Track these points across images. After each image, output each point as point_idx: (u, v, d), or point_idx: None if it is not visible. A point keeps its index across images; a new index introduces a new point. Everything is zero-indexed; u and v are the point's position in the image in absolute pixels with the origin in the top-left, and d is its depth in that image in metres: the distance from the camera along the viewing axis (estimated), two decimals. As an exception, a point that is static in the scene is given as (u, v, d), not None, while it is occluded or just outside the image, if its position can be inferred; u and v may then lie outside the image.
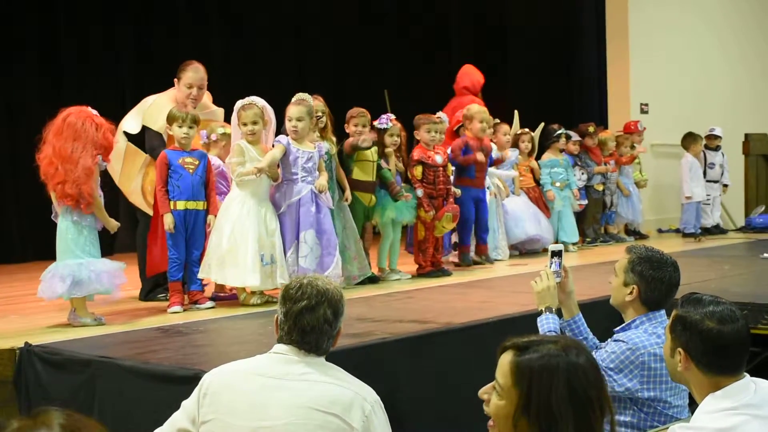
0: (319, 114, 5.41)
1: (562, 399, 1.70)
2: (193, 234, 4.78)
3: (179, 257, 4.71)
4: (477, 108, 6.61)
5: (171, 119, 4.80)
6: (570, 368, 1.73)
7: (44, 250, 5.16)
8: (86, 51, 8.35)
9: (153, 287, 5.26)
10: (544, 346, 1.78)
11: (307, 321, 2.50)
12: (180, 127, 4.76)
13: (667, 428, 2.27)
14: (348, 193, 5.50)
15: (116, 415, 3.20)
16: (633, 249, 3.12)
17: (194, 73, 5.30)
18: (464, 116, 6.56)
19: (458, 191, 6.22)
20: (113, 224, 4.42)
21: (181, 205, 4.71)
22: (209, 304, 4.78)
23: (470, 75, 7.78)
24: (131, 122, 5.28)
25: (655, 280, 3.02)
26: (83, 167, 4.19)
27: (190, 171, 4.73)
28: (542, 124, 7.84)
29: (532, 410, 1.71)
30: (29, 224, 7.74)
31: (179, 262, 4.72)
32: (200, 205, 4.79)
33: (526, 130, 7.62)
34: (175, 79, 5.35)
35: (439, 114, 6.44)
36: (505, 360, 1.78)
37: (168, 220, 4.65)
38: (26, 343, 3.57)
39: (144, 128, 5.27)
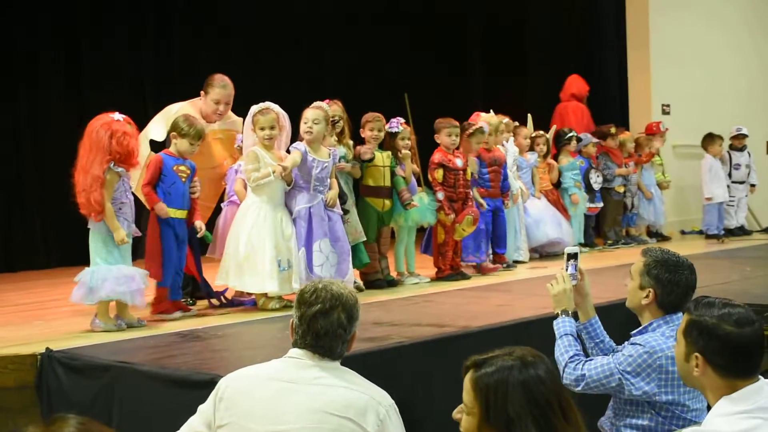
0: (336, 119, 5.43)
1: (520, 407, 1.84)
2: (185, 243, 4.75)
3: (174, 267, 4.64)
4: (486, 117, 6.54)
5: (176, 129, 4.75)
6: (525, 377, 1.87)
7: (68, 257, 5.22)
8: (108, 54, 8.41)
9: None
10: (499, 359, 1.93)
11: (321, 325, 2.52)
12: (184, 138, 4.73)
13: (682, 432, 2.25)
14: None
15: (135, 419, 3.23)
16: (648, 252, 3.10)
17: (222, 89, 5.33)
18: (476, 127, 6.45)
19: (484, 203, 6.23)
20: (119, 235, 4.32)
21: (171, 212, 4.66)
22: (194, 311, 4.81)
23: (577, 83, 8.61)
24: (157, 130, 5.29)
25: (672, 283, 2.99)
26: (92, 176, 4.22)
27: (183, 179, 4.74)
28: (554, 126, 7.82)
29: (492, 419, 1.85)
30: (53, 231, 7.83)
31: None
32: (185, 214, 4.77)
33: (541, 132, 7.61)
34: (202, 92, 5.37)
35: (481, 123, 6.39)
36: (467, 378, 1.94)
37: (162, 208, 4.56)
38: (47, 348, 3.62)
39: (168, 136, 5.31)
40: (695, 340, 2.23)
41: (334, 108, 5.46)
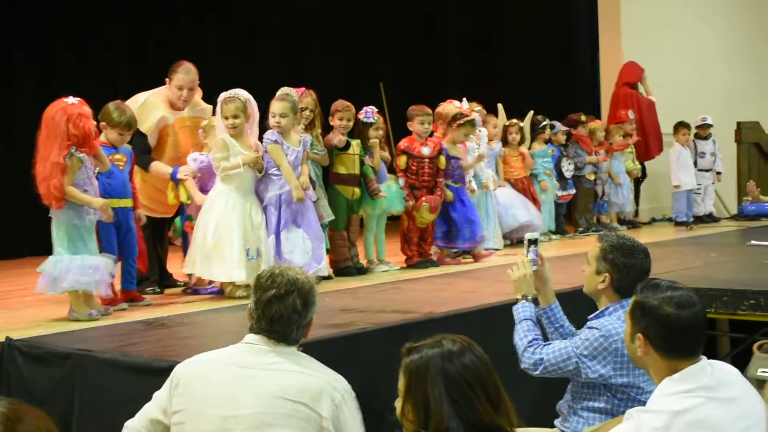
0: (307, 110, 5.43)
1: (438, 390, 2.01)
2: (128, 233, 4.70)
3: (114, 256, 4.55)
4: (452, 108, 6.51)
5: (106, 119, 4.62)
6: (447, 365, 2.04)
7: (39, 246, 5.17)
8: (80, 48, 8.36)
9: (140, 280, 5.29)
10: (426, 347, 2.11)
11: (276, 310, 2.53)
12: (113, 128, 4.64)
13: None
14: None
15: (95, 407, 3.23)
16: (604, 237, 3.14)
17: (185, 74, 5.27)
18: (437, 114, 6.37)
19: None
20: (98, 203, 4.24)
21: (113, 203, 4.55)
22: (147, 301, 4.78)
23: (630, 70, 8.88)
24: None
25: (627, 267, 3.04)
26: (51, 163, 4.14)
27: (121, 168, 4.69)
28: (531, 113, 7.87)
29: (412, 398, 2.04)
30: (25, 220, 7.77)
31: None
32: (129, 203, 4.74)
33: (515, 121, 7.65)
34: (167, 79, 5.32)
35: (474, 115, 6.41)
36: (402, 363, 2.13)
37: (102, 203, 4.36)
38: (7, 337, 3.60)
39: None
40: (638, 321, 2.28)
41: (306, 100, 5.46)
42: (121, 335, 3.78)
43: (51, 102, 4.35)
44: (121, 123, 4.65)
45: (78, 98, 4.33)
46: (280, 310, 2.53)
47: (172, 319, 4.22)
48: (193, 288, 5.17)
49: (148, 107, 5.23)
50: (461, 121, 6.24)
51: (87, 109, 4.30)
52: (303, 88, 5.51)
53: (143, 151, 5.17)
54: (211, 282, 5.04)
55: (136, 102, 5.30)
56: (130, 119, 4.71)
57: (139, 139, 5.15)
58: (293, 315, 2.54)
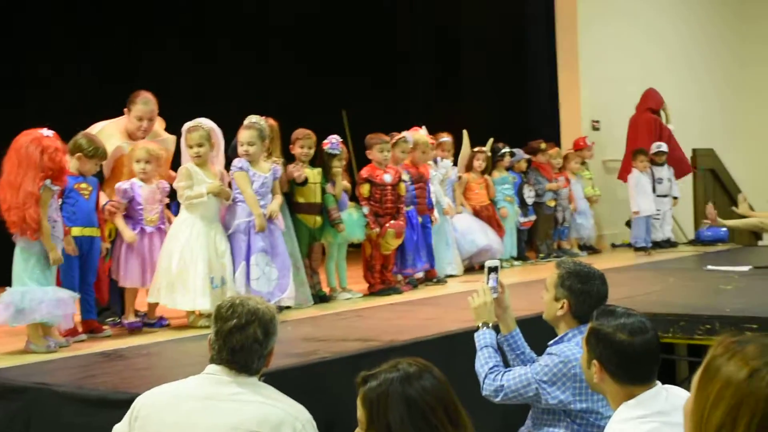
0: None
1: (401, 417, 1.98)
2: (87, 261, 4.67)
3: (72, 287, 4.47)
4: (418, 136, 6.64)
5: (80, 150, 4.61)
6: (406, 389, 2.01)
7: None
8: (44, 73, 8.29)
9: (102, 310, 5.23)
10: (383, 373, 2.07)
11: (237, 340, 2.53)
12: (91, 159, 4.64)
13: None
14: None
15: (53, 441, 3.18)
16: (561, 264, 3.19)
17: (144, 105, 5.22)
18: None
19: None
20: (55, 255, 4.24)
21: (76, 231, 4.57)
22: (107, 332, 4.73)
23: (654, 97, 9.20)
24: None
25: (584, 293, 3.09)
26: (25, 192, 4.12)
27: (86, 197, 4.68)
28: (491, 140, 7.97)
29: (374, 428, 2.00)
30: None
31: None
32: (95, 232, 4.72)
33: (483, 149, 7.73)
34: (125, 110, 5.27)
35: (405, 133, 6.50)
36: (359, 393, 2.08)
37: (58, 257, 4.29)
38: (-39, 371, 3.53)
39: None
40: (593, 348, 2.32)
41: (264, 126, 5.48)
42: (79, 367, 3.73)
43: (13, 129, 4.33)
44: (98, 154, 4.68)
45: (52, 131, 4.32)
46: (240, 340, 2.52)
47: (132, 350, 4.18)
48: (143, 322, 4.97)
49: (104, 136, 5.15)
50: (393, 141, 6.27)
51: (61, 144, 4.32)
52: (264, 117, 5.53)
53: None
54: (159, 319, 4.95)
55: (92, 130, 5.27)
56: (104, 149, 4.75)
57: None
58: (254, 345, 2.54)
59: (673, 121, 9.44)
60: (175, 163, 5.30)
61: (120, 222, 4.85)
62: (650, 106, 9.24)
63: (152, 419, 2.50)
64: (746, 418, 1.37)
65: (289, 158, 5.74)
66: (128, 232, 4.82)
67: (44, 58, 8.27)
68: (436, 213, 6.76)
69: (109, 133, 5.20)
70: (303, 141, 5.69)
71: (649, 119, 9.23)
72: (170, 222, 5.03)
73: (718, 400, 1.40)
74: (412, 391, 2.00)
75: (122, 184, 4.92)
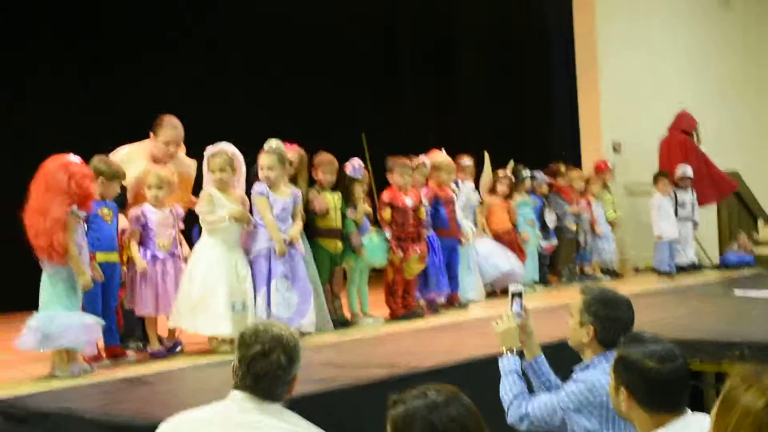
0: (291, 167, 5.48)
1: None
2: (109, 287, 4.68)
3: (96, 312, 4.50)
4: (442, 158, 6.67)
5: (100, 173, 4.64)
6: (432, 416, 1.96)
7: (23, 301, 5.08)
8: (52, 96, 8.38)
9: (126, 335, 5.24)
10: (411, 398, 2.03)
11: (261, 367, 2.51)
12: (111, 180, 4.69)
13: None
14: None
15: (76, 468, 3.17)
16: (587, 290, 3.15)
17: (173, 130, 5.23)
18: (432, 166, 6.58)
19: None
20: (85, 280, 4.27)
21: (100, 256, 4.61)
22: (131, 357, 4.74)
23: (687, 119, 9.23)
24: None
25: (610, 319, 3.05)
26: (53, 218, 4.16)
27: (108, 222, 4.71)
28: (511, 162, 7.95)
29: None
30: (8, 274, 7.63)
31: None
32: (117, 257, 4.74)
33: (507, 172, 7.71)
34: (151, 133, 5.28)
35: (422, 158, 6.51)
36: (387, 416, 2.05)
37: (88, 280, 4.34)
38: (-14, 397, 3.55)
39: None
40: (621, 375, 2.29)
41: (291, 154, 5.51)
42: (104, 393, 3.74)
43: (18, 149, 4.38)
44: (119, 176, 4.73)
45: (78, 157, 4.37)
46: (264, 367, 2.51)
47: (155, 376, 4.18)
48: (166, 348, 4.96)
49: (129, 160, 5.20)
50: (414, 165, 6.28)
51: (88, 170, 4.37)
52: (289, 143, 5.58)
53: (119, 204, 5.17)
54: (174, 345, 4.94)
55: (116, 154, 5.30)
56: (123, 171, 4.80)
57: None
58: (278, 371, 2.53)
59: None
60: (196, 187, 5.34)
61: (134, 249, 4.86)
62: (683, 127, 9.25)
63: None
64: None
65: (310, 181, 5.75)
66: (140, 261, 4.82)
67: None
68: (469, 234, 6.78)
69: (133, 157, 5.24)
70: (326, 167, 5.70)
71: (682, 140, 9.20)
72: (182, 246, 5.01)
73: (738, 429, 1.43)
74: (437, 420, 1.97)
75: (134, 211, 4.94)
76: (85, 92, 8.66)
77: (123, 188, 5.16)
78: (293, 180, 5.54)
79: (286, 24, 10.06)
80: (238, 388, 2.56)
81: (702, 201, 9.17)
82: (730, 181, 9.33)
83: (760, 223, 6.67)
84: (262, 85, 9.99)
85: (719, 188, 9.22)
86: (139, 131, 5.43)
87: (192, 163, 5.52)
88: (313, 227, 5.62)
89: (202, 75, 9.31)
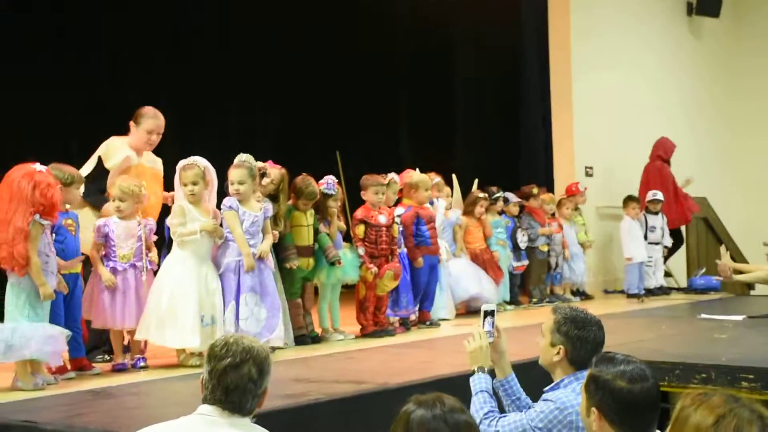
0: (272, 184, 5.48)
1: None
2: (73, 298, 4.63)
3: (59, 324, 4.40)
4: (420, 176, 6.71)
5: (60, 180, 4.52)
6: (408, 423, 2.06)
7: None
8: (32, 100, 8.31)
9: (92, 348, 5.17)
10: (431, 405, 2.10)
11: (231, 379, 2.49)
12: (69, 186, 4.60)
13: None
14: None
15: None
16: (558, 309, 3.17)
17: (155, 119, 5.34)
18: (407, 185, 6.62)
19: (421, 261, 6.43)
20: (46, 290, 4.20)
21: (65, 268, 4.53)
22: (96, 370, 4.66)
23: (665, 145, 9.36)
24: (88, 166, 5.30)
25: (581, 339, 3.06)
26: (15, 228, 4.10)
27: (73, 233, 4.66)
28: (476, 182, 8.01)
29: None
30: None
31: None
32: (79, 268, 4.69)
33: (486, 195, 7.76)
34: (132, 123, 5.34)
35: (392, 175, 6.54)
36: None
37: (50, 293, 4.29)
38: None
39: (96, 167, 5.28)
40: (593, 395, 2.30)
41: (273, 171, 5.52)
42: (68, 405, 3.67)
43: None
44: (75, 180, 4.63)
45: (44, 166, 4.32)
46: (235, 380, 2.48)
47: (121, 388, 4.12)
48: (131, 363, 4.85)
49: (113, 149, 5.29)
50: (387, 182, 6.28)
51: (53, 179, 4.31)
52: (270, 161, 5.61)
53: (98, 190, 5.15)
54: (136, 360, 4.85)
55: (102, 149, 5.34)
56: (78, 175, 4.72)
57: (96, 179, 5.15)
58: (249, 384, 2.50)
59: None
60: (167, 185, 5.36)
61: (98, 261, 4.79)
62: (659, 154, 9.40)
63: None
64: None
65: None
66: (105, 273, 4.75)
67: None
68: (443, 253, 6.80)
69: (117, 145, 5.30)
70: (307, 196, 5.66)
71: (659, 167, 9.36)
72: (150, 259, 4.93)
73: None
74: (452, 422, 2.05)
75: (99, 221, 4.88)
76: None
77: (104, 191, 5.13)
78: (274, 197, 5.52)
79: (270, 44, 10.10)
80: (207, 402, 2.53)
81: (671, 225, 9.31)
82: (693, 205, 9.49)
83: (722, 250, 6.77)
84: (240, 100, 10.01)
85: (684, 212, 9.37)
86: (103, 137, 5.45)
87: (158, 160, 5.54)
88: (282, 245, 5.55)
89: (180, 90, 9.30)
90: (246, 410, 2.53)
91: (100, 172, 5.23)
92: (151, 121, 5.32)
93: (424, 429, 2.03)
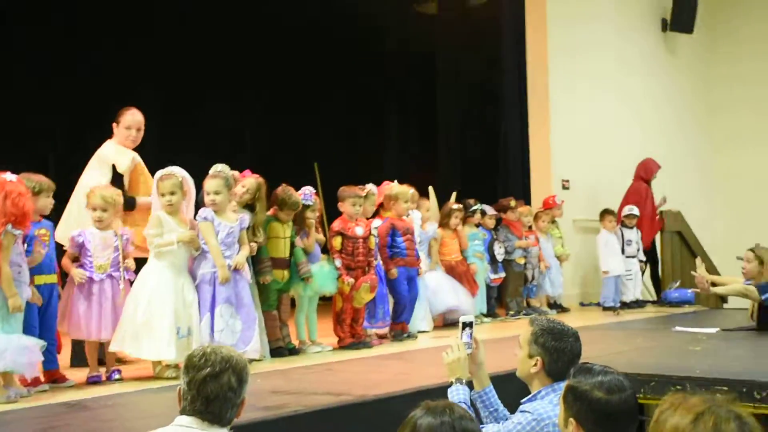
0: (247, 194, 5.46)
1: None
2: (48, 309, 4.59)
3: (33, 335, 4.34)
4: (399, 188, 6.73)
5: (38, 191, 4.52)
6: (414, 429, 2.05)
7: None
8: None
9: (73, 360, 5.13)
10: (441, 413, 2.11)
11: (211, 389, 2.48)
12: (47, 197, 4.58)
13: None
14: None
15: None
16: (535, 321, 3.19)
17: (132, 116, 5.56)
18: (387, 197, 6.65)
19: (395, 272, 6.42)
20: (15, 302, 4.12)
21: (39, 279, 4.50)
22: (70, 382, 4.61)
23: (646, 166, 9.56)
24: (104, 176, 5.33)
25: (558, 351, 3.08)
26: None
27: (46, 242, 4.61)
28: (454, 194, 8.04)
29: None
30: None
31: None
32: (54, 279, 4.65)
33: (461, 207, 7.78)
34: (114, 124, 5.55)
35: (369, 186, 6.55)
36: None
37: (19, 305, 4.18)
38: None
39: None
40: (570, 405, 2.31)
41: (249, 181, 5.50)
42: (41, 418, 3.63)
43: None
44: (44, 188, 4.57)
45: (15, 175, 4.27)
46: (215, 390, 2.47)
47: (96, 401, 4.08)
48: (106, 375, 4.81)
49: (117, 150, 5.46)
50: (364, 194, 6.29)
51: (25, 189, 4.26)
52: (248, 171, 5.59)
53: (127, 205, 5.28)
54: (111, 372, 4.80)
55: (102, 152, 5.48)
56: (47, 183, 4.63)
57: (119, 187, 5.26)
58: (228, 393, 2.50)
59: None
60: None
61: (69, 265, 4.75)
62: (641, 174, 9.58)
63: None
64: None
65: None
66: (77, 272, 4.71)
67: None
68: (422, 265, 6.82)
69: (113, 151, 5.46)
70: (290, 205, 5.66)
71: (637, 187, 9.52)
72: (127, 269, 4.90)
73: None
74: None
75: (74, 232, 4.86)
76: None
77: (124, 194, 5.21)
78: (250, 207, 5.51)
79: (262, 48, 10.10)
80: (186, 413, 2.51)
81: (645, 245, 9.44)
82: (659, 220, 9.64)
83: (698, 261, 6.84)
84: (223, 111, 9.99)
85: (653, 226, 9.53)
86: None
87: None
88: (257, 257, 5.52)
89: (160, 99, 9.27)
90: (225, 420, 2.51)
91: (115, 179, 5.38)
92: (128, 118, 5.53)
93: None
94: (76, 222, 5.11)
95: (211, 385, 2.47)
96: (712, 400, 1.59)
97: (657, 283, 9.73)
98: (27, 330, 4.32)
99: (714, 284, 6.51)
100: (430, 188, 7.88)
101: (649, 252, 9.55)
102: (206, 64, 9.72)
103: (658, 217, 9.60)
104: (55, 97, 8.60)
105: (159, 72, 9.34)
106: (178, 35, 9.46)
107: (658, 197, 9.60)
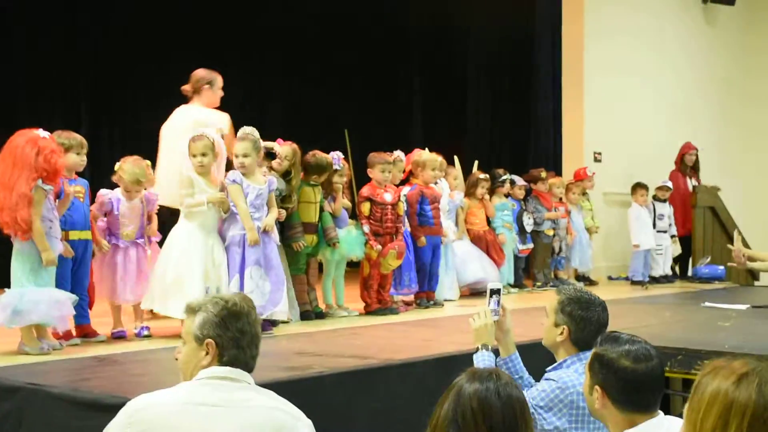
0: (286, 161, 5.49)
1: (445, 416, 2.02)
2: (81, 265, 4.65)
3: (65, 290, 4.42)
4: (428, 155, 6.70)
5: (68, 148, 4.55)
6: (459, 394, 2.02)
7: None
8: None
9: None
10: (486, 379, 2.08)
11: (247, 330, 2.50)
12: (78, 154, 4.62)
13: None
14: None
15: (43, 442, 3.14)
16: (562, 290, 3.18)
17: (221, 79, 5.76)
18: (415, 163, 6.62)
19: (424, 240, 6.40)
20: (48, 256, 4.19)
21: (74, 235, 4.57)
22: (101, 337, 4.69)
23: (682, 150, 9.60)
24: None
25: (584, 320, 3.07)
26: (18, 194, 4.10)
27: (81, 199, 4.66)
28: (477, 163, 7.99)
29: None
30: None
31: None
32: (89, 235, 4.71)
33: (487, 176, 7.74)
34: (206, 86, 5.66)
35: (397, 153, 6.53)
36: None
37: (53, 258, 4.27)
38: (-48, 370, 3.50)
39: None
40: (596, 373, 2.30)
41: (285, 149, 5.52)
42: (73, 370, 3.70)
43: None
44: (74, 144, 4.61)
45: (47, 132, 4.31)
46: (250, 330, 2.50)
47: (126, 355, 4.15)
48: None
49: (212, 112, 5.65)
50: (392, 160, 6.27)
51: (57, 146, 4.31)
52: (280, 140, 5.64)
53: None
54: (140, 329, 4.89)
55: (197, 115, 5.56)
56: (78, 139, 4.67)
57: None
58: (255, 339, 2.52)
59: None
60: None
61: (96, 232, 4.82)
62: (677, 161, 9.64)
63: (156, 426, 2.43)
64: (737, 419, 1.43)
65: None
66: (102, 242, 4.81)
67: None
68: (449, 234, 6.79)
69: (207, 113, 5.60)
70: (318, 167, 5.68)
71: (673, 176, 9.52)
72: (149, 236, 5.00)
73: (710, 407, 1.47)
74: (463, 398, 2.03)
75: (104, 195, 4.91)
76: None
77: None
78: (286, 174, 5.52)
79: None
80: (221, 363, 2.51)
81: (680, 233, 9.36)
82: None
83: (735, 234, 6.70)
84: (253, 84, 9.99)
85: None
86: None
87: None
88: (289, 222, 5.54)
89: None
90: (250, 366, 2.53)
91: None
92: (221, 80, 5.77)
93: (476, 400, 2.00)
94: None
95: (247, 328, 2.48)
96: (757, 362, 1.56)
97: (686, 259, 9.62)
98: (59, 284, 4.40)
99: (751, 259, 6.40)
100: (456, 158, 7.83)
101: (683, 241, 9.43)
102: (228, 35, 9.72)
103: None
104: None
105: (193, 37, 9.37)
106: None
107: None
